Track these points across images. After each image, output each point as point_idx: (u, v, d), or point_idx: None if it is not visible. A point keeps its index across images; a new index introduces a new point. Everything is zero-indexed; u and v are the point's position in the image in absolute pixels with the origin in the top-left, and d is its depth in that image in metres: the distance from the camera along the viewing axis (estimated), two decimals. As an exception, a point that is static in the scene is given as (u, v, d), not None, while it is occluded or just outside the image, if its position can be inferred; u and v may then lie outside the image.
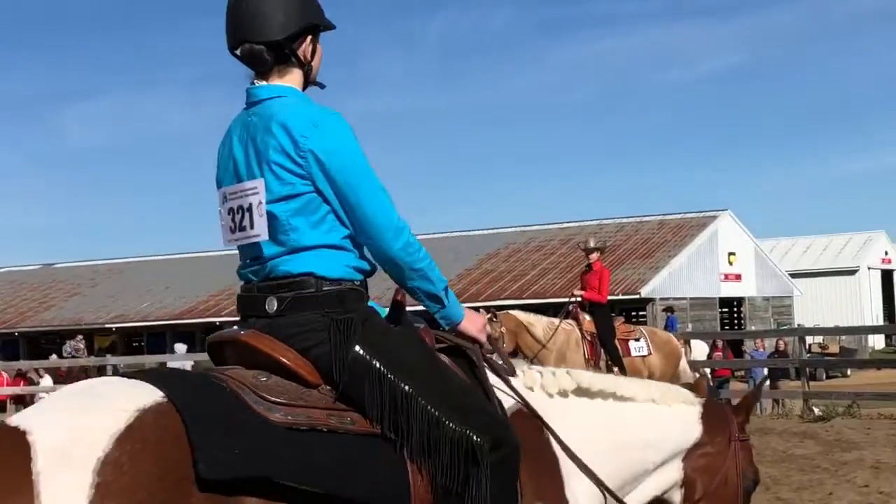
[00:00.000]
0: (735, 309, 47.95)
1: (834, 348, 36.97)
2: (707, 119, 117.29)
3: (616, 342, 15.60)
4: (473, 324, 4.17)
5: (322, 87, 4.09)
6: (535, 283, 43.55)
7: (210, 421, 3.31)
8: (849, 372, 35.57)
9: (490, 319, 15.04)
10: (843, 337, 37.96)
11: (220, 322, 46.21)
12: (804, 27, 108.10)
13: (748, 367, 30.72)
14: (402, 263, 3.97)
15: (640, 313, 41.24)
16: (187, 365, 29.82)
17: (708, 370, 27.64)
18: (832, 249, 58.32)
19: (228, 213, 3.90)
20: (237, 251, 4.08)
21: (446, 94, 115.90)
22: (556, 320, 15.73)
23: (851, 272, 56.16)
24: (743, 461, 4.84)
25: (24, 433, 3.11)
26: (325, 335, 3.73)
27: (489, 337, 4.07)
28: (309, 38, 3.98)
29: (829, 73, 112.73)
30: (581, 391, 4.38)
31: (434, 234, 54.51)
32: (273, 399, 3.52)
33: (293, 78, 3.96)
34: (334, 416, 3.61)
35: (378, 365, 3.70)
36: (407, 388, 3.68)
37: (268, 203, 3.75)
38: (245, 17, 3.87)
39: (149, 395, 3.32)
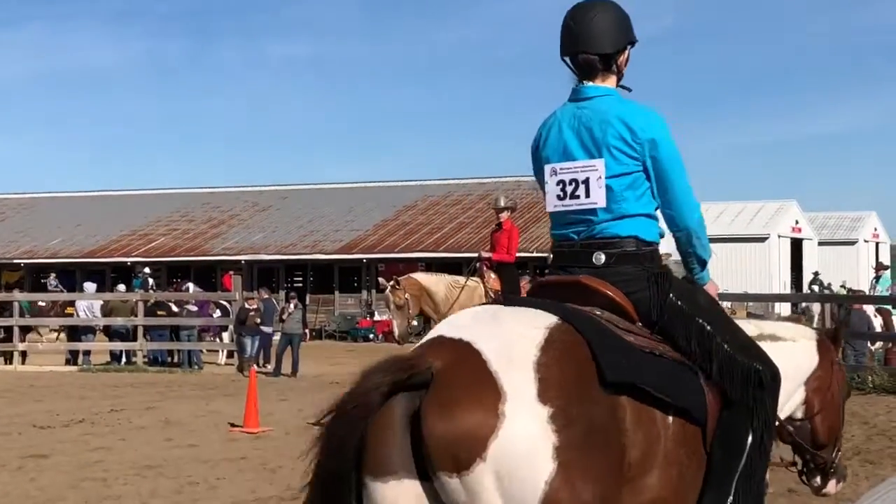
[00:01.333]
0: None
1: (742, 314, 37.52)
2: (628, 79, 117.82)
3: (520, 299, 15.59)
4: (713, 288, 5.15)
5: (629, 90, 4.99)
6: (451, 237, 43.63)
7: (599, 338, 4.24)
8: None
9: (393, 287, 14.99)
10: (751, 303, 38.52)
11: (130, 262, 45.69)
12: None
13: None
14: (692, 232, 4.92)
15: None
16: (95, 305, 29.46)
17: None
18: (744, 216, 59.07)
19: (558, 185, 4.88)
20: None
21: (371, 43, 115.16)
22: (461, 279, 15.68)
23: (762, 239, 56.97)
24: (841, 379, 6.16)
25: (469, 343, 4.00)
26: (645, 284, 4.75)
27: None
28: (627, 50, 5.00)
29: (751, 39, 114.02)
30: (760, 336, 5.44)
31: (352, 183, 54.34)
32: (622, 327, 4.50)
33: (611, 81, 4.95)
34: (661, 345, 4.60)
35: (687, 309, 4.73)
36: (708, 328, 4.70)
37: (606, 178, 4.73)
38: (587, 34, 4.87)
39: (548, 317, 4.26)
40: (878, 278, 27.65)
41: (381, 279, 16.72)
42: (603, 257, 4.79)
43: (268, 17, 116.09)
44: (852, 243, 64.40)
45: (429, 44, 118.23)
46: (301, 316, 27.73)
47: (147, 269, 39.84)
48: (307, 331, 34.42)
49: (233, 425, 15.93)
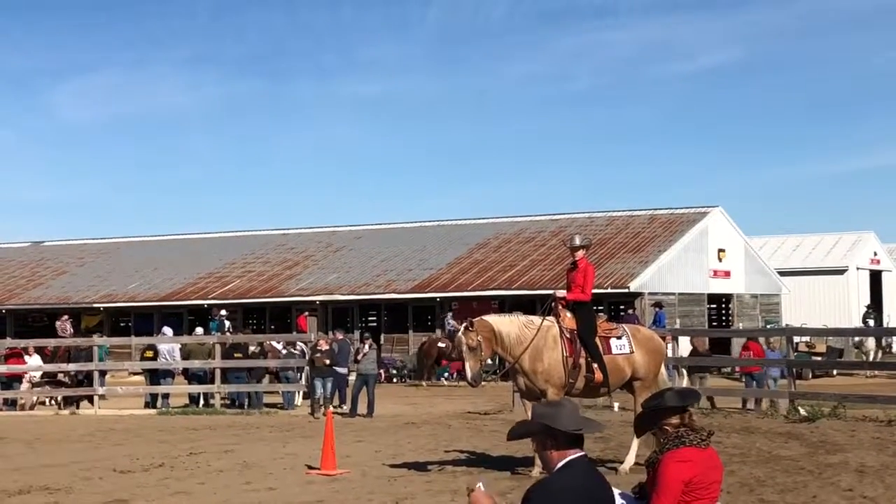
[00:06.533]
0: (723, 305, 47.98)
1: (821, 348, 36.94)
2: (701, 114, 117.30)
3: (597, 340, 15.45)
4: None
5: None
6: (525, 274, 43.50)
7: None
8: (835, 372, 35.59)
9: (466, 329, 14.90)
10: (831, 338, 37.98)
11: (207, 304, 46.13)
12: (801, 23, 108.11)
13: (733, 364, 30.67)
14: None
15: (628, 309, 41.20)
16: (176, 348, 29.81)
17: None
18: (821, 249, 58.39)
19: None
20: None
21: (441, 81, 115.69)
22: (535, 318, 15.58)
23: (840, 272, 56.21)
24: None
25: None
26: None
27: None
28: None
29: (824, 71, 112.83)
30: None
31: (426, 221, 54.48)
32: None
33: None
34: None
35: None
36: None
37: None
38: None
39: None
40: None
41: (452, 321, 16.67)
42: None
43: (338, 58, 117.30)
44: (933, 274, 63.28)
45: (495, 81, 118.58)
46: (376, 356, 27.78)
47: (224, 312, 40.24)
48: (382, 371, 34.46)
49: (310, 467, 15.98)
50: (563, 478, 6.41)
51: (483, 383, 18.50)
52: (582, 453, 6.56)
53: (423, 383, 37.43)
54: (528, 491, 6.48)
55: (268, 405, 28.14)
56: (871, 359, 37.71)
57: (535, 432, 6.66)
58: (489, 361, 16.56)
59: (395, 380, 40.18)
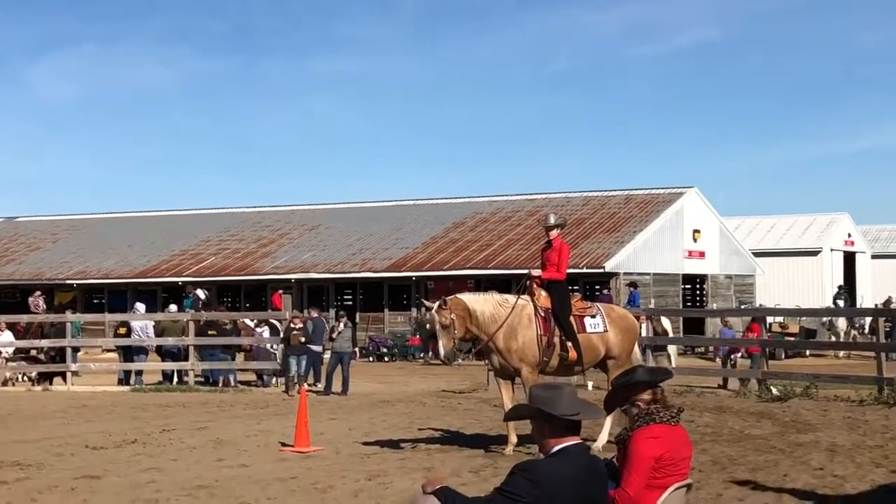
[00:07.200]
0: (698, 286, 48.16)
1: (794, 328, 37.11)
2: (678, 95, 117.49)
3: (571, 318, 15.47)
4: None
5: None
6: (501, 253, 43.52)
7: None
8: (807, 352, 35.79)
9: (439, 307, 14.89)
10: (804, 318, 38.14)
11: (181, 282, 45.98)
12: (778, 5, 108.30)
13: (712, 344, 30.83)
14: None
15: (603, 289, 41.30)
16: (149, 325, 29.69)
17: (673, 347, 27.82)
18: (796, 230, 58.61)
19: None
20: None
21: (419, 61, 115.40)
22: (510, 297, 15.58)
23: (814, 253, 56.46)
24: None
25: None
26: None
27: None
28: None
29: (801, 53, 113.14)
30: None
31: (402, 200, 54.41)
32: None
33: None
34: None
35: None
36: None
37: None
38: None
39: None
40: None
41: (424, 302, 16.60)
42: None
43: (315, 35, 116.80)
44: (906, 256, 63.70)
45: (476, 59, 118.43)
46: (351, 334, 27.75)
47: (200, 291, 40.07)
48: (357, 349, 34.51)
49: (283, 445, 15.96)
50: (554, 463, 6.36)
51: (459, 361, 18.55)
52: (579, 441, 6.51)
53: (421, 357, 38.17)
54: (516, 467, 6.44)
55: (242, 383, 28.10)
56: (842, 339, 37.94)
57: (532, 416, 6.63)
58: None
59: (385, 359, 40.07)
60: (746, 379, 23.92)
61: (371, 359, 39.95)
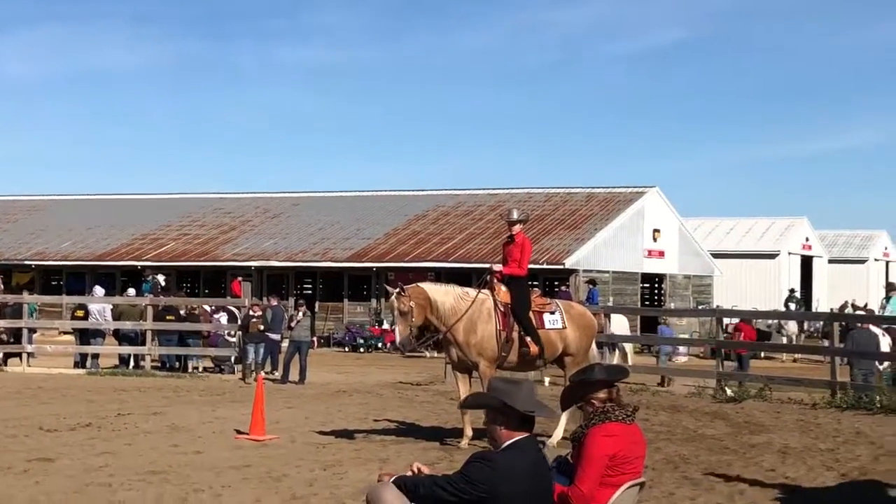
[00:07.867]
0: (656, 285, 48.46)
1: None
2: (641, 94, 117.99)
3: (530, 314, 15.53)
4: None
5: None
6: (462, 247, 43.62)
7: None
8: (762, 354, 36.06)
9: (399, 293, 14.92)
10: (759, 321, 38.45)
11: (140, 266, 45.75)
12: (744, 6, 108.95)
13: (666, 344, 31.00)
14: None
15: (562, 285, 41.46)
16: (107, 308, 29.50)
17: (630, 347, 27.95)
18: (755, 232, 59.08)
19: None
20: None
21: (386, 51, 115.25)
22: (470, 291, 15.62)
23: (772, 256, 56.98)
24: None
25: None
26: None
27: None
28: None
29: (764, 57, 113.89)
30: None
31: (365, 191, 54.42)
32: None
33: None
34: None
35: None
36: None
37: None
38: None
39: None
40: (888, 298, 27.51)
41: (387, 287, 16.62)
42: None
43: (283, 23, 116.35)
44: (862, 262, 64.35)
45: (442, 52, 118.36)
46: (310, 323, 27.71)
47: (160, 276, 39.83)
48: (315, 338, 34.45)
49: (239, 432, 15.94)
50: (508, 457, 6.44)
51: (424, 352, 18.56)
52: (529, 435, 6.59)
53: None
54: (474, 456, 6.50)
55: (203, 369, 28.02)
56: (793, 342, 38.31)
57: (490, 406, 6.67)
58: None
59: (361, 350, 39.92)
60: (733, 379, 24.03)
61: (346, 349, 39.91)
